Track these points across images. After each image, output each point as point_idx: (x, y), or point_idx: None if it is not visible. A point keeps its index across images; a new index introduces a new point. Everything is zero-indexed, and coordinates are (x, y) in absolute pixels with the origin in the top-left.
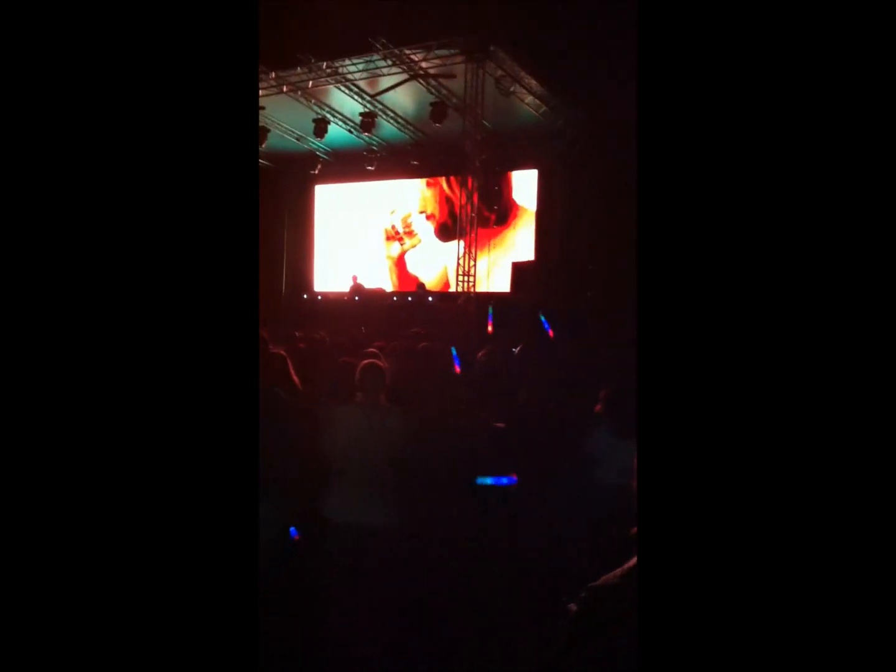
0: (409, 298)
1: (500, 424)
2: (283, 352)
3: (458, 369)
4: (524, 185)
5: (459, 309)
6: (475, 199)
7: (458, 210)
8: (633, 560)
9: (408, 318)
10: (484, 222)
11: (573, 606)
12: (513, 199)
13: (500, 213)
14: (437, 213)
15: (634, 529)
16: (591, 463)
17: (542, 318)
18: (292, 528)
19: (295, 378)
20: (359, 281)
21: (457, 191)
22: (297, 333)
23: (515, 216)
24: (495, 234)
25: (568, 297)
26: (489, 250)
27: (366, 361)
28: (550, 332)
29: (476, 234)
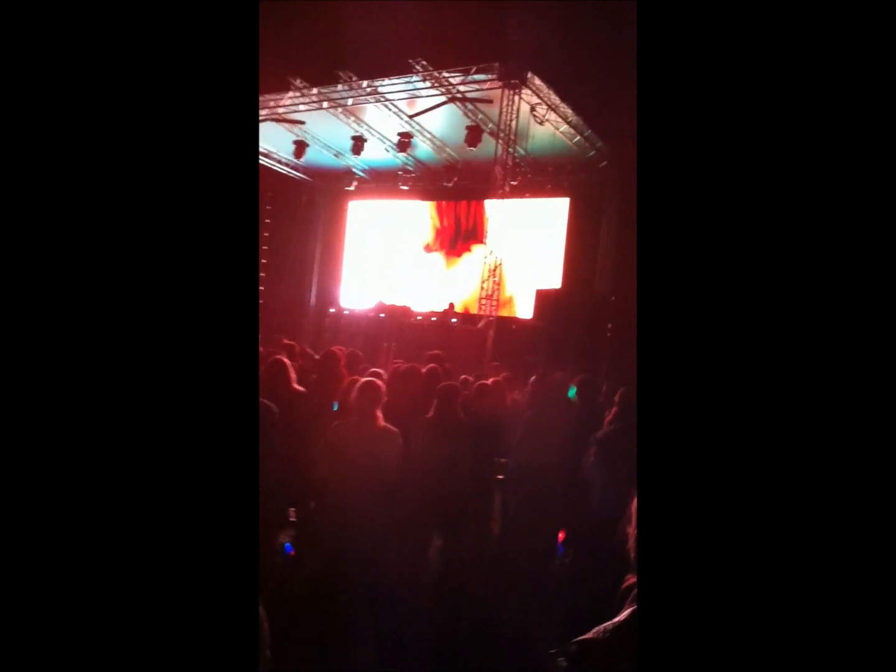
0: (433, 318)
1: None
2: (285, 359)
3: None
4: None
5: (480, 333)
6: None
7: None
8: (624, 614)
9: (426, 338)
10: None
11: (563, 661)
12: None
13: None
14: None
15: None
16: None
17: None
18: (287, 545)
19: (295, 386)
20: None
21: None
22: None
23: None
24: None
25: (589, 327)
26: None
27: (365, 379)
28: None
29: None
